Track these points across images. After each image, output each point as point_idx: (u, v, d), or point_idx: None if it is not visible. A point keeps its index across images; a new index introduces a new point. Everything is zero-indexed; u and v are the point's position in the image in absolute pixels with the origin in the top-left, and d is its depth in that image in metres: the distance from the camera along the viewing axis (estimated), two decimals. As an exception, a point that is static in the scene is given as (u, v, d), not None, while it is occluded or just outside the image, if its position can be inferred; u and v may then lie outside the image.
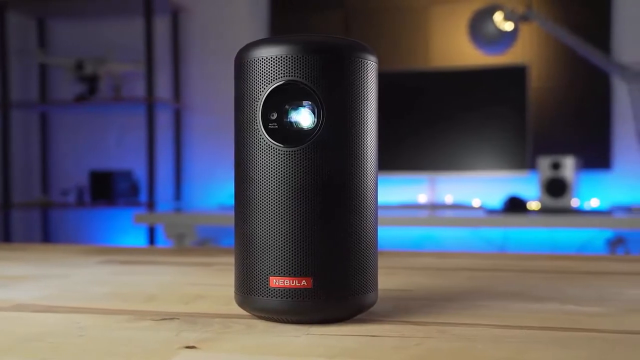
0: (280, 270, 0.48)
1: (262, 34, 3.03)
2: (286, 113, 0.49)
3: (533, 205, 2.40)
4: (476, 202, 2.71)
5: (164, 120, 3.10)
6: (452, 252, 0.99)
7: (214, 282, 0.71)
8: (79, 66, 2.99)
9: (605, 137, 2.73)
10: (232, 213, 2.19)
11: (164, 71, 3.10)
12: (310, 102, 0.48)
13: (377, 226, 0.52)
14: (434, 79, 2.67)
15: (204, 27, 3.12)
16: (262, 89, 0.49)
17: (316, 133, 0.48)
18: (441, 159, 2.62)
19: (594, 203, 2.64)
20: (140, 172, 3.07)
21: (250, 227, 0.50)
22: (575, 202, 2.43)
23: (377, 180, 0.52)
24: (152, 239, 2.89)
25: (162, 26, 3.10)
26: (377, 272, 0.52)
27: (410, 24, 2.91)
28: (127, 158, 3.15)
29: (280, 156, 0.48)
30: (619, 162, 2.73)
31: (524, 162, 2.55)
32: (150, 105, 2.87)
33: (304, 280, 0.48)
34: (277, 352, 0.42)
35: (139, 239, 3.06)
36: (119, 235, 3.15)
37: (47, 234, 3.28)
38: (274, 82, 0.49)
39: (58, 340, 0.45)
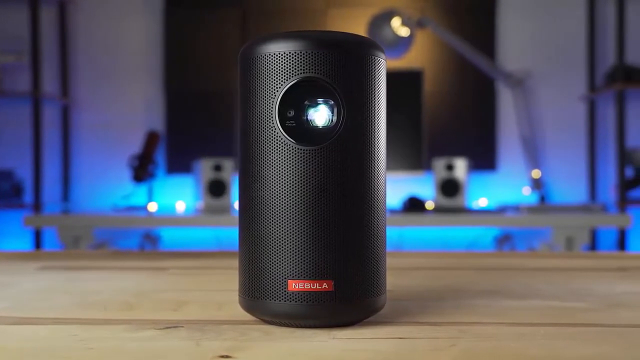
0: (300, 274, 0.46)
1: (157, 28, 2.93)
2: (304, 111, 0.47)
3: (429, 204, 2.49)
4: (373, 202, 2.76)
5: (49, 117, 2.91)
6: (398, 251, 1.01)
7: (185, 287, 0.68)
8: (-47, 56, 2.75)
9: (492, 140, 2.88)
10: (129, 215, 2.09)
11: (50, 64, 2.92)
12: (331, 100, 0.47)
13: (386, 226, 0.52)
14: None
15: (93, 19, 2.97)
16: (279, 85, 0.47)
17: (337, 132, 0.47)
18: (340, 159, 2.65)
19: (482, 202, 2.79)
20: (23, 172, 2.87)
21: (265, 229, 0.47)
22: (466, 202, 2.54)
23: (386, 180, 0.51)
24: (38, 243, 2.71)
25: (48, 16, 2.91)
26: (386, 273, 0.52)
27: (309, 26, 2.92)
28: (8, 157, 2.93)
29: (300, 155, 0.46)
30: (504, 164, 2.89)
31: (420, 163, 2.64)
32: (36, 100, 2.69)
33: (325, 283, 0.47)
34: (318, 357, 0.40)
35: (23, 243, 2.86)
36: (-1, 239, 2.93)
37: None
38: (292, 78, 0.47)
39: (69, 354, 0.41)
